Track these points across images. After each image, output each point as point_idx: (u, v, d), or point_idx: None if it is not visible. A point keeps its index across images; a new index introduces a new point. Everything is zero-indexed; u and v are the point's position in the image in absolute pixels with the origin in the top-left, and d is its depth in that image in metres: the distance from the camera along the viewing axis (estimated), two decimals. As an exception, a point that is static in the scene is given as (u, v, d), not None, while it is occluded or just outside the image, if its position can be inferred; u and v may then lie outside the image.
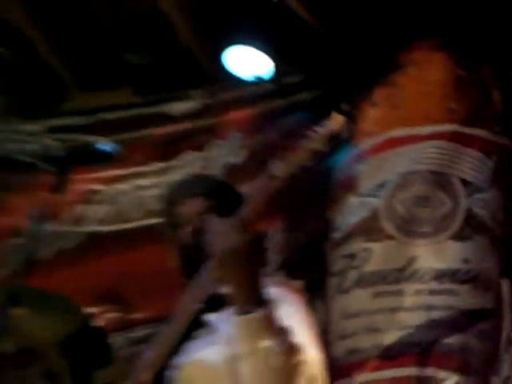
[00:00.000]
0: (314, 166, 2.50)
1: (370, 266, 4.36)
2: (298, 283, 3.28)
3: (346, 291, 4.29)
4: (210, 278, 2.78)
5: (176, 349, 2.85)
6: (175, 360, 2.82)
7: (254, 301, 2.55)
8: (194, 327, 2.84)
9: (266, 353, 2.57)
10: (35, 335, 3.73)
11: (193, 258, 2.96)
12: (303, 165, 2.50)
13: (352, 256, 4.42)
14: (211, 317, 2.83)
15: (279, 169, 2.50)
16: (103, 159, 3.23)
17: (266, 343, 2.55)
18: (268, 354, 2.56)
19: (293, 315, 2.80)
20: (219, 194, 3.12)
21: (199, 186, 3.22)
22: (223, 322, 2.76)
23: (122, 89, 5.09)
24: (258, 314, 2.52)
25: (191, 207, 3.06)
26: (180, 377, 2.83)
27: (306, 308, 2.99)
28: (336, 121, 2.44)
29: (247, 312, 2.51)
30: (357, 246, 4.41)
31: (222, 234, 2.57)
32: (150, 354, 2.86)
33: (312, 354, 2.75)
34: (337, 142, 2.48)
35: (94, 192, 4.96)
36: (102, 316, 4.57)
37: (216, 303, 2.83)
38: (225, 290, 2.63)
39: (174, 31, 4.78)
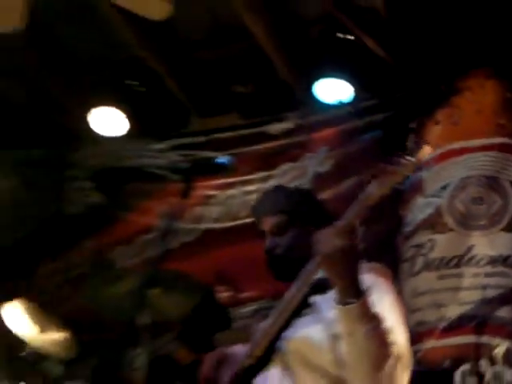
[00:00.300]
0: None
1: (435, 254, 4.85)
2: (388, 269, 3.37)
3: (415, 274, 4.81)
4: (316, 270, 2.97)
5: (286, 324, 3.10)
6: (285, 334, 3.07)
7: (353, 292, 2.78)
8: (302, 307, 3.09)
9: (361, 336, 2.80)
10: (167, 310, 3.89)
11: (275, 262, 3.31)
12: (395, 186, 2.75)
13: (420, 245, 4.91)
14: (317, 298, 3.05)
15: (376, 188, 2.76)
16: (220, 170, 3.42)
17: (362, 328, 2.78)
18: (363, 336, 2.80)
19: (383, 300, 3.02)
20: (292, 208, 3.38)
21: (272, 203, 3.48)
22: (326, 304, 2.97)
23: (231, 114, 5.75)
24: (355, 304, 2.76)
25: (266, 225, 3.34)
26: (287, 349, 3.08)
27: (394, 291, 3.16)
28: (425, 151, 2.66)
29: (346, 303, 2.74)
30: (424, 237, 4.90)
31: (324, 239, 2.79)
32: (266, 327, 3.11)
33: (400, 336, 2.93)
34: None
35: (209, 196, 5.64)
36: (217, 295, 5.07)
37: (321, 286, 3.08)
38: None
39: (273, 67, 5.37)
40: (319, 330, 2.99)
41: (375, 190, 2.74)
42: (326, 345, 2.97)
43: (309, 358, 3.07)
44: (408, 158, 2.67)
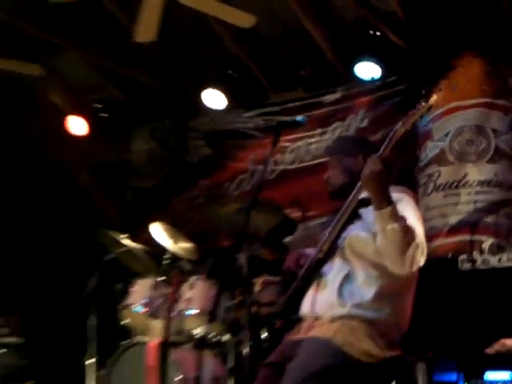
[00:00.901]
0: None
1: (441, 180, 5.88)
2: (410, 190, 3.95)
3: (427, 195, 5.86)
4: (361, 190, 3.47)
5: (343, 228, 3.60)
6: (342, 235, 3.60)
7: (384, 201, 3.34)
8: (353, 216, 3.59)
9: (390, 231, 3.32)
10: (258, 225, 4.57)
11: (339, 188, 3.80)
12: (414, 123, 3.32)
13: (431, 175, 5.94)
14: (362, 210, 3.58)
15: (400, 126, 3.32)
16: (298, 126, 4.26)
17: (391, 225, 3.32)
18: (391, 231, 3.32)
19: (407, 208, 3.52)
20: (346, 150, 3.90)
21: (333, 147, 4.11)
22: (368, 214, 3.51)
23: (297, 89, 6.69)
24: (385, 209, 3.33)
25: (331, 165, 3.87)
26: (344, 245, 3.63)
27: (415, 203, 3.67)
28: (433, 99, 3.21)
29: (380, 208, 3.34)
30: (433, 169, 5.94)
31: (366, 166, 3.33)
32: (329, 231, 3.63)
33: (419, 230, 3.42)
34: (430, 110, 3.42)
35: (284, 147, 6.60)
36: (291, 214, 6.02)
37: (364, 203, 3.53)
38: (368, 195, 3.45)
39: (325, 55, 6.33)
40: (365, 231, 3.56)
41: (400, 128, 3.32)
42: (370, 240, 3.51)
43: (359, 250, 3.59)
44: (423, 103, 3.24)
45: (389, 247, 3.36)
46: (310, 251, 3.87)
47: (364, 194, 3.50)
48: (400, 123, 3.30)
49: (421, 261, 3.37)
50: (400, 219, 3.30)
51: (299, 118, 4.11)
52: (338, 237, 3.62)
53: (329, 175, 3.84)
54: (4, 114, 7.40)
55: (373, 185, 3.35)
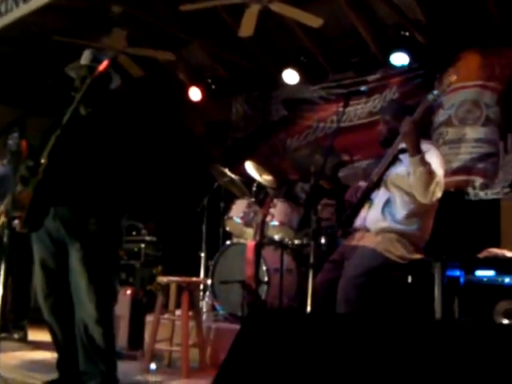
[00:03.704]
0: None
1: (448, 137, 6.55)
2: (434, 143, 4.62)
3: (438, 147, 5.65)
4: (400, 141, 3.72)
5: (387, 168, 3.86)
6: (387, 172, 3.84)
7: (416, 151, 3.63)
8: (394, 160, 3.86)
9: (420, 171, 3.60)
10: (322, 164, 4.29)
11: (387, 138, 4.01)
12: (435, 100, 3.67)
13: (441, 133, 6.62)
14: (401, 156, 3.85)
15: (427, 99, 3.62)
16: (362, 94, 5.41)
17: (420, 167, 3.60)
18: (421, 171, 3.59)
19: (433, 156, 3.77)
20: (390, 110, 4.16)
21: (386, 109, 4.47)
22: (406, 159, 3.76)
23: (349, 71, 7.19)
24: (417, 156, 3.63)
25: (382, 121, 4.12)
26: (387, 179, 3.89)
27: (438, 152, 3.92)
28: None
29: (413, 155, 3.63)
30: (443, 129, 6.61)
31: (403, 124, 3.61)
32: (378, 168, 3.90)
33: (439, 172, 3.71)
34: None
35: (340, 110, 5.98)
36: (343, 158, 6.06)
37: (403, 151, 3.76)
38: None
39: (369, 49, 6.92)
40: (403, 170, 3.86)
41: (427, 101, 3.68)
42: (405, 177, 3.80)
43: (398, 183, 3.89)
44: (438, 86, 3.73)
45: (417, 183, 3.70)
46: (364, 184, 4.16)
47: (402, 145, 3.84)
48: (427, 97, 3.65)
49: (439, 194, 3.75)
50: (426, 164, 3.63)
51: (364, 88, 4.82)
52: (383, 173, 3.96)
53: (380, 129, 4.12)
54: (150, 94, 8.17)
55: (408, 139, 3.68)
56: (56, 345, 3.59)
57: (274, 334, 2.17)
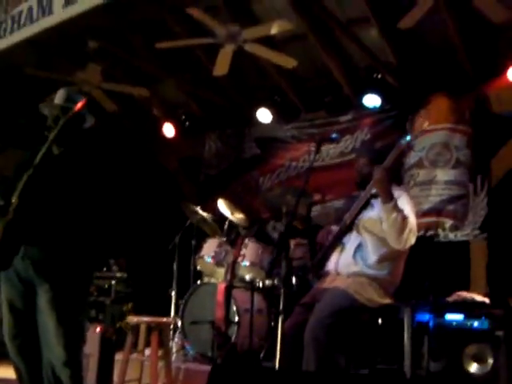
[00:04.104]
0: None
1: (419, 179, 6.53)
2: (405, 188, 4.77)
3: (409, 189, 6.33)
4: (372, 187, 3.79)
5: (360, 212, 3.91)
6: (359, 216, 3.92)
7: (389, 198, 3.68)
8: (366, 204, 3.91)
9: (393, 218, 3.65)
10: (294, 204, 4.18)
11: (363, 180, 4.03)
12: (407, 146, 3.98)
13: (412, 175, 6.58)
14: (373, 201, 3.91)
15: (397, 148, 3.70)
16: (333, 140, 5.34)
17: (393, 215, 3.66)
18: (394, 219, 3.65)
19: (404, 202, 3.83)
20: (367, 153, 4.19)
21: (370, 152, 4.35)
22: (377, 203, 3.83)
23: (321, 111, 7.19)
24: (390, 204, 3.69)
25: (358, 163, 4.16)
26: (359, 223, 3.94)
27: (409, 198, 3.97)
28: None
29: (386, 202, 3.68)
30: (414, 171, 6.57)
31: (375, 172, 3.67)
32: (350, 212, 3.96)
33: (411, 219, 3.78)
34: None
35: (312, 150, 6.96)
36: (315, 197, 6.45)
37: (375, 196, 3.79)
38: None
39: (342, 89, 6.90)
40: (375, 215, 3.92)
41: (398, 147, 3.77)
42: (377, 222, 3.86)
43: (370, 228, 3.94)
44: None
45: (391, 230, 3.76)
46: (336, 228, 4.20)
47: (374, 190, 3.92)
48: (397, 146, 3.74)
49: (413, 240, 3.82)
50: (399, 211, 3.71)
51: (335, 135, 4.68)
52: (355, 217, 4.01)
53: (359, 168, 4.13)
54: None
55: (380, 186, 3.76)
56: (22, 386, 3.60)
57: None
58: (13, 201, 3.22)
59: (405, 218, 3.69)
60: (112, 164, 3.73)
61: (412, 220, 3.78)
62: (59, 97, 3.61)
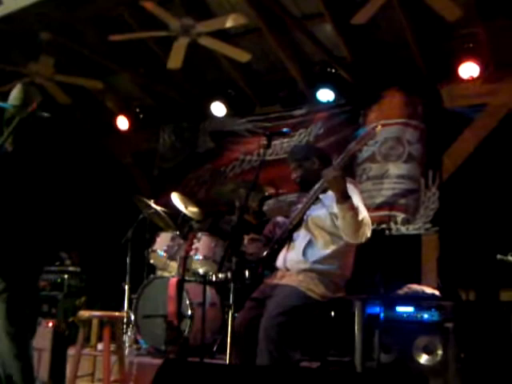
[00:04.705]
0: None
1: (372, 173, 6.58)
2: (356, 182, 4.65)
3: (362, 183, 6.48)
4: (323, 186, 3.66)
5: (308, 207, 3.82)
6: (307, 212, 3.83)
7: (345, 197, 3.56)
8: (315, 200, 3.81)
9: (348, 217, 3.57)
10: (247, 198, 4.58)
11: (305, 180, 3.97)
12: (362, 146, 3.60)
13: (364, 169, 6.65)
14: (321, 196, 3.83)
15: (353, 146, 3.50)
16: (284, 134, 5.22)
17: (348, 213, 3.56)
18: (349, 217, 3.56)
19: (356, 197, 3.74)
20: (304, 156, 4.03)
21: (295, 154, 4.16)
22: (326, 199, 3.78)
23: (276, 105, 7.24)
24: (346, 203, 3.57)
25: (291, 168, 4.08)
26: (308, 219, 3.87)
27: (358, 191, 3.88)
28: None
29: (342, 203, 3.56)
30: (367, 165, 6.64)
31: (329, 173, 3.49)
32: (298, 208, 3.90)
33: (365, 213, 3.70)
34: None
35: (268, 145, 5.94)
36: (268, 191, 5.57)
37: (324, 191, 3.72)
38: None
39: (297, 84, 6.91)
40: (324, 210, 3.88)
41: (353, 147, 3.56)
42: (327, 218, 3.83)
43: (319, 224, 3.89)
44: (363, 132, 3.53)
45: (348, 228, 3.70)
46: (282, 220, 4.19)
47: (323, 185, 3.79)
48: (353, 144, 3.55)
49: (369, 233, 3.76)
50: (354, 208, 3.61)
51: (286, 129, 4.48)
52: (304, 214, 3.93)
53: (294, 176, 4.07)
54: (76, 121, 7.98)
55: (335, 187, 3.60)
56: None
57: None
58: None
59: (358, 214, 3.62)
60: (63, 157, 3.72)
61: (365, 213, 3.74)
62: (14, 97, 3.53)
